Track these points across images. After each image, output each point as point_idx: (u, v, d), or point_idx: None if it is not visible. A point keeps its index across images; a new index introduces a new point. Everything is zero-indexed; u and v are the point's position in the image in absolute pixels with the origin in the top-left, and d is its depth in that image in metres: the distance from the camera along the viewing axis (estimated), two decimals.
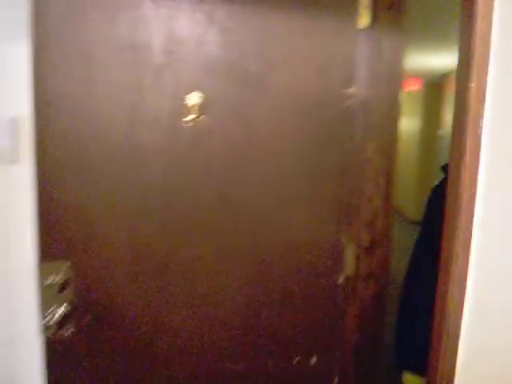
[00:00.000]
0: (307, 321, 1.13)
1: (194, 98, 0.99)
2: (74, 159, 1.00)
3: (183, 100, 0.99)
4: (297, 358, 1.18)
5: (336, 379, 1.20)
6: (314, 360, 1.19)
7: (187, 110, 0.99)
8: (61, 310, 1.08)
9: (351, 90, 1.04)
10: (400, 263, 2.22)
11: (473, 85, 0.87)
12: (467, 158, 0.90)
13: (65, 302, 1.09)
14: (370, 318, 1.14)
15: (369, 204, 1.12)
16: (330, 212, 1.09)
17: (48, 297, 1.08)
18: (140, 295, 1.09)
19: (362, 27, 1.03)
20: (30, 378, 1.34)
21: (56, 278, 1.06)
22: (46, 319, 1.06)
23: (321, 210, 1.09)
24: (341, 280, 1.11)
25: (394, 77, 1.04)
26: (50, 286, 1.06)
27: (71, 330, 1.11)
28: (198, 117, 1.00)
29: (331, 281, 1.11)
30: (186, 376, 1.15)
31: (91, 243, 1.07)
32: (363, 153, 1.10)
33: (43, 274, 1.07)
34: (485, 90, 0.87)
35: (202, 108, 1.00)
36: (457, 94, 0.95)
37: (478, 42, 0.87)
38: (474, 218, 0.91)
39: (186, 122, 1.00)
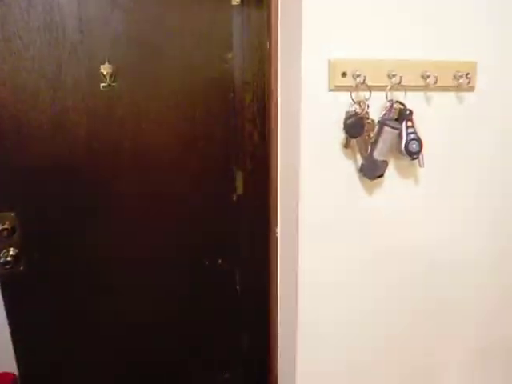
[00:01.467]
0: (212, 231, 1.53)
1: (106, 68, 1.22)
2: (7, 124, 1.18)
3: (98, 69, 1.22)
4: (207, 261, 1.57)
5: (237, 274, 1.64)
6: (219, 261, 1.59)
7: (102, 78, 1.23)
8: (11, 252, 1.31)
9: (229, 55, 1.36)
10: None
11: None
12: None
13: (14, 245, 1.31)
14: (257, 224, 1.57)
15: (250, 140, 1.50)
16: (222, 148, 1.45)
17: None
18: (78, 229, 1.36)
19: (235, 3, 1.33)
20: None
21: (4, 226, 1.27)
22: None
23: (215, 148, 1.44)
24: (234, 198, 1.50)
25: (261, 43, 1.38)
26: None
27: (21, 267, 1.34)
28: (111, 83, 1.24)
29: (227, 200, 1.50)
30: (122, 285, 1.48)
31: (31, 197, 1.29)
32: (243, 101, 1.45)
33: None
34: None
35: (114, 75, 1.24)
36: None
37: None
38: None
39: (103, 87, 1.24)
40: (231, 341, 1.70)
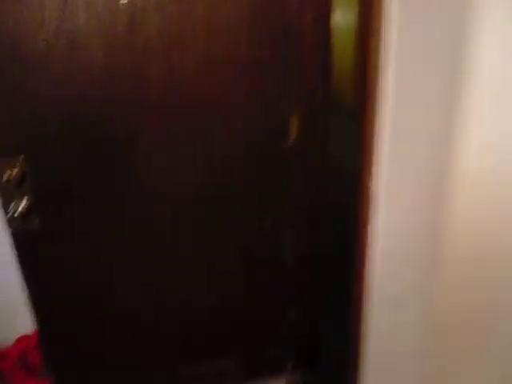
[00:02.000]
0: (262, 184, 1.26)
1: None
2: (11, 51, 0.97)
3: None
4: (253, 218, 1.32)
5: (287, 234, 1.36)
6: (268, 221, 1.33)
7: None
8: (23, 204, 1.12)
9: None
10: None
11: None
12: None
13: (25, 195, 1.12)
14: (314, 176, 1.28)
15: (307, 79, 1.18)
16: (275, 88, 1.16)
17: (8, 192, 1.11)
18: (100, 179, 1.15)
19: None
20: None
21: (12, 173, 1.08)
22: (9, 214, 1.10)
23: (267, 88, 1.15)
24: (288, 144, 1.22)
25: None
26: (7, 181, 1.08)
27: (36, 221, 1.16)
28: None
29: (281, 146, 1.22)
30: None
31: (42, 137, 1.08)
32: (301, 25, 1.13)
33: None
34: None
35: None
36: None
37: None
38: None
39: (122, 3, 0.98)
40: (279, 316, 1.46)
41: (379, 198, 1.10)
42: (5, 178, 1.08)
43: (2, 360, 1.77)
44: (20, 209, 1.11)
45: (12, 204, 1.12)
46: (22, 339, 1.82)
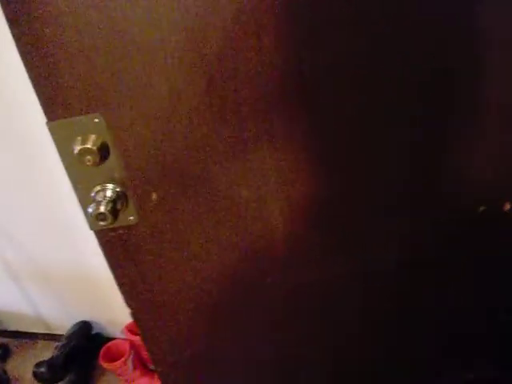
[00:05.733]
0: None
1: None
2: None
3: None
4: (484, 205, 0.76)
5: None
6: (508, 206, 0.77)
7: None
8: (109, 192, 0.67)
9: None
10: None
11: None
12: None
13: (111, 179, 0.67)
14: None
15: None
16: None
17: (83, 174, 0.66)
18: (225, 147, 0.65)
19: None
20: None
21: (87, 143, 0.62)
22: (91, 209, 0.66)
23: None
24: None
25: None
26: (80, 154, 0.62)
27: (130, 218, 0.71)
28: None
29: None
30: None
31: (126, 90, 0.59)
32: None
33: (64, 138, 0.63)
34: None
35: None
36: None
37: None
38: None
39: None
40: None
41: None
42: (76, 150, 0.62)
43: (111, 356, 1.49)
44: (105, 202, 0.66)
45: (93, 193, 0.68)
46: (131, 327, 1.51)
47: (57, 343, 1.65)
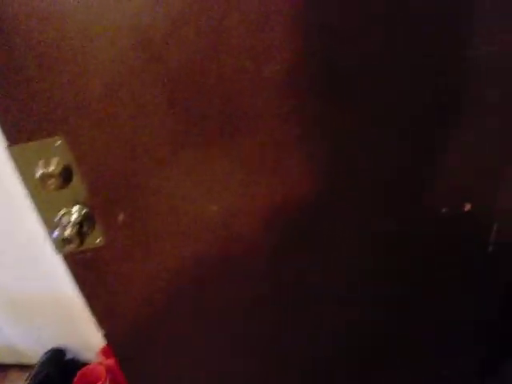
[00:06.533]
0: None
1: None
2: None
3: None
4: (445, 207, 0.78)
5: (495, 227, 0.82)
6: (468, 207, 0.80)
7: None
8: (74, 216, 0.66)
9: None
10: None
11: None
12: None
13: (75, 201, 0.66)
14: None
15: None
16: None
17: (47, 198, 0.65)
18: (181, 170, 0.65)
19: None
20: None
21: (49, 167, 0.61)
22: (57, 232, 0.65)
23: None
24: None
25: None
26: (42, 178, 0.61)
27: (97, 240, 0.70)
28: None
29: None
30: None
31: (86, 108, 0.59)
32: None
33: (25, 162, 0.62)
34: None
35: None
36: None
37: None
38: None
39: None
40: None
41: None
42: (38, 175, 0.61)
43: (87, 381, 1.45)
44: (71, 223, 0.65)
45: (58, 217, 0.67)
46: (106, 350, 1.48)
47: (29, 372, 1.59)
